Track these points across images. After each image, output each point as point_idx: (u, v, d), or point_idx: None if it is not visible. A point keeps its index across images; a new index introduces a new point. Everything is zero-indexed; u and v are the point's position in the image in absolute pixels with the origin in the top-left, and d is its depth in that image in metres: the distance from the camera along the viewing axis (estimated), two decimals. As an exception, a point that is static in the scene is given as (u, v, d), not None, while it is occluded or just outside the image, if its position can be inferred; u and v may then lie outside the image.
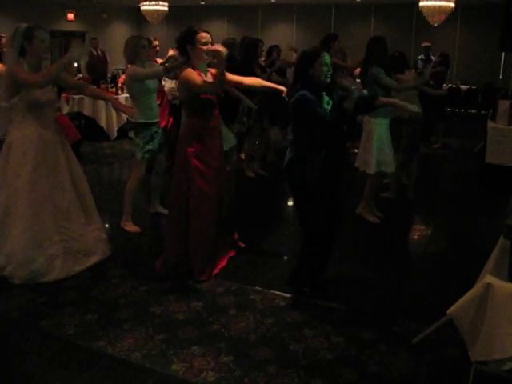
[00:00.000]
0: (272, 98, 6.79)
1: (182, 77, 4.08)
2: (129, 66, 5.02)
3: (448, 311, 2.63)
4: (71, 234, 4.23)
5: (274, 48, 8.24)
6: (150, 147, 5.07)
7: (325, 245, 3.85)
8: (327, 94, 3.69)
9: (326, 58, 3.60)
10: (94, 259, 4.37)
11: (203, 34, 4.11)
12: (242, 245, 4.76)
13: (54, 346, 3.29)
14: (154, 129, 5.09)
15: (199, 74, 4.05)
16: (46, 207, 4.09)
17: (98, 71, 11.44)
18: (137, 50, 4.94)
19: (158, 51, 6.34)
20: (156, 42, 6.42)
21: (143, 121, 4.97)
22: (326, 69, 3.59)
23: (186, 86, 4.06)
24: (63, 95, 9.16)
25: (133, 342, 3.31)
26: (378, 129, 5.35)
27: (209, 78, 4.14)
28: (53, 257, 4.10)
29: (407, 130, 6.04)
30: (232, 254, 4.60)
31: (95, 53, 11.87)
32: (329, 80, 3.63)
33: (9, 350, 3.28)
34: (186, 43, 4.10)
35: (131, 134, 5.07)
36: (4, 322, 3.60)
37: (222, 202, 4.39)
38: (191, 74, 4.01)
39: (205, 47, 4.07)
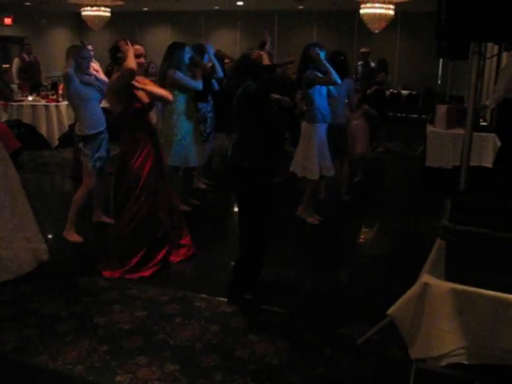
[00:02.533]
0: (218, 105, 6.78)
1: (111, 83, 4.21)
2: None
3: (388, 312, 2.68)
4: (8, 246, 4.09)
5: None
6: (99, 155, 5.03)
7: (262, 246, 3.88)
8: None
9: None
10: (24, 269, 4.21)
11: (137, 47, 4.18)
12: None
13: (-8, 363, 3.18)
14: (102, 137, 5.04)
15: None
16: None
17: (30, 77, 11.16)
18: (78, 61, 4.88)
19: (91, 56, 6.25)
20: (90, 47, 6.32)
21: (91, 133, 4.93)
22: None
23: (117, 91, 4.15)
24: (1, 102, 8.88)
25: (75, 355, 3.22)
26: (318, 134, 5.41)
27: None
28: None
29: (340, 135, 6.12)
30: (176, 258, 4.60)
31: (27, 59, 11.58)
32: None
33: None
34: (119, 54, 4.16)
35: (80, 145, 5.02)
36: None
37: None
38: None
39: (137, 60, 4.15)
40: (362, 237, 5.79)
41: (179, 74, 5.46)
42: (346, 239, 5.66)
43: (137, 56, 4.13)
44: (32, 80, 11.05)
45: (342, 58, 6.15)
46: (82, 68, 4.92)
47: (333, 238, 5.47)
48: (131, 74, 4.10)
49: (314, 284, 4.33)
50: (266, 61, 3.75)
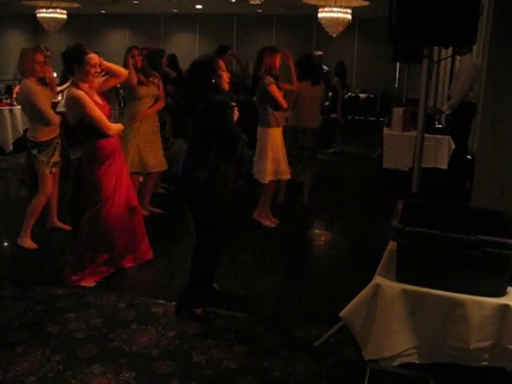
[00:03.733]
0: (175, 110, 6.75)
1: (71, 97, 4.08)
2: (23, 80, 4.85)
3: (340, 314, 2.71)
4: None
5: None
6: (54, 160, 4.95)
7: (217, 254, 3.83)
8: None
9: (222, 63, 3.62)
10: None
11: (93, 56, 4.12)
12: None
13: None
14: (56, 141, 4.95)
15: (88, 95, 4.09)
16: None
17: None
18: (32, 65, 4.78)
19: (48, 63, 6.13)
20: (48, 53, 6.18)
21: (42, 139, 4.84)
22: (224, 74, 3.59)
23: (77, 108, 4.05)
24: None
25: (27, 366, 3.14)
26: (272, 138, 5.43)
27: (95, 95, 4.21)
28: None
29: (310, 140, 6.16)
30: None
31: None
32: (227, 87, 3.63)
33: None
34: (73, 62, 4.08)
35: (34, 151, 4.91)
36: None
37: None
38: (86, 96, 4.07)
39: (93, 70, 4.10)
40: (320, 239, 5.83)
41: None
42: (304, 242, 5.69)
43: (92, 65, 4.09)
44: None
45: (312, 60, 6.22)
46: (35, 73, 4.82)
47: (290, 242, 5.49)
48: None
49: (271, 288, 4.33)
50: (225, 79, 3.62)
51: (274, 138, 5.43)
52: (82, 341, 3.42)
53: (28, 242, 4.94)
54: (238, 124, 3.69)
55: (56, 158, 4.98)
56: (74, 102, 4.06)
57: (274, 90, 5.28)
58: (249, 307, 3.94)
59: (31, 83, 4.77)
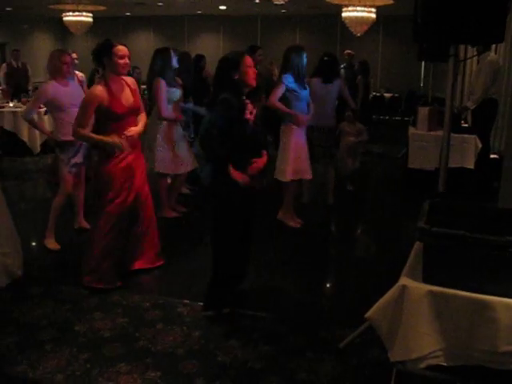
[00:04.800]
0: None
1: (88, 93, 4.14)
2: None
3: (366, 315, 2.69)
4: None
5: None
6: (76, 161, 4.98)
7: (239, 259, 3.81)
8: (252, 102, 3.66)
9: (248, 59, 3.59)
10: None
11: (120, 47, 4.12)
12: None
13: (-30, 374, 3.14)
14: (80, 142, 4.93)
15: (108, 91, 4.07)
16: None
17: (17, 83, 11.09)
18: (59, 66, 4.87)
19: (76, 64, 6.22)
20: (74, 55, 6.28)
21: (63, 139, 4.89)
22: (251, 70, 3.56)
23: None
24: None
25: (55, 364, 3.19)
26: (294, 137, 5.42)
27: (125, 92, 4.19)
28: None
29: (321, 138, 6.13)
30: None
31: (15, 65, 11.49)
32: (254, 83, 3.61)
33: None
34: (103, 56, 4.09)
35: (57, 150, 5.01)
36: None
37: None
38: (91, 99, 4.08)
39: (122, 61, 4.10)
40: (345, 240, 5.80)
41: (162, 84, 5.47)
42: (329, 243, 5.66)
43: (120, 57, 4.10)
44: (19, 86, 10.98)
45: (326, 58, 6.17)
46: (62, 73, 4.90)
47: (314, 242, 5.47)
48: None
49: (296, 288, 4.32)
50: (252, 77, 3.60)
51: (297, 137, 5.42)
52: (109, 340, 3.46)
53: (51, 243, 5.01)
54: (261, 123, 3.69)
55: (78, 159, 4.99)
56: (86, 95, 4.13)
57: (277, 88, 5.32)
58: (273, 308, 3.93)
59: (53, 85, 4.86)
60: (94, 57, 4.17)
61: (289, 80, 5.30)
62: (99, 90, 4.07)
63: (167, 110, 5.51)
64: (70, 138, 4.84)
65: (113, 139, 4.07)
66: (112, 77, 4.13)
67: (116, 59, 4.07)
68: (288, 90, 5.31)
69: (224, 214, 3.65)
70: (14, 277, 4.26)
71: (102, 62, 4.12)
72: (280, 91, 5.32)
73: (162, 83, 5.46)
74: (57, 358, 3.26)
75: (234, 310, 3.82)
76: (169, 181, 6.14)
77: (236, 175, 3.48)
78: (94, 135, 4.14)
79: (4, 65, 11.61)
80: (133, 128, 4.20)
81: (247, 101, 3.63)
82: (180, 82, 5.90)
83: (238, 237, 3.69)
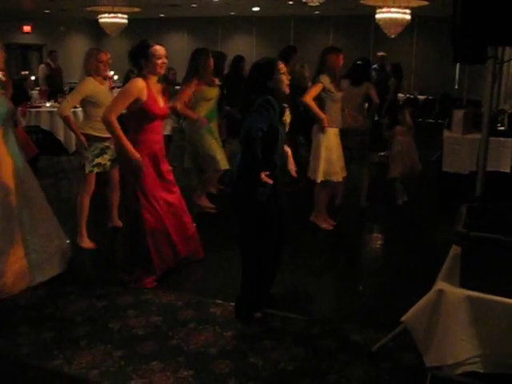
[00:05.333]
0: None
1: (128, 84, 4.16)
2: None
3: (402, 319, 2.66)
4: (33, 247, 4.15)
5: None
6: (100, 161, 5.00)
7: (270, 263, 3.77)
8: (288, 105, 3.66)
9: (282, 66, 3.56)
10: (56, 271, 4.31)
11: (157, 47, 4.14)
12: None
13: (8, 367, 3.21)
14: (106, 143, 5.01)
15: (148, 88, 4.10)
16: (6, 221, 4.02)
17: (55, 84, 11.31)
18: (96, 64, 4.95)
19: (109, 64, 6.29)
20: (108, 56, 6.34)
21: (92, 133, 4.93)
22: (284, 77, 3.54)
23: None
24: (20, 109, 8.98)
25: (90, 360, 3.24)
26: (326, 137, 5.40)
27: (160, 95, 4.24)
28: (20, 273, 4.04)
29: (351, 140, 6.08)
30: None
31: (53, 66, 11.71)
32: (287, 90, 3.59)
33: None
34: (140, 56, 4.12)
35: (82, 148, 5.02)
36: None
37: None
38: (132, 89, 4.07)
39: (159, 61, 4.12)
40: (378, 243, 5.75)
41: (194, 84, 5.55)
42: (361, 245, 5.63)
43: (158, 57, 4.13)
44: (56, 87, 11.21)
45: (359, 62, 6.16)
46: (98, 71, 4.98)
47: (347, 244, 5.44)
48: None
49: (328, 290, 4.31)
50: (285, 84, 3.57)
51: (329, 139, 5.41)
52: (142, 338, 3.50)
53: (85, 242, 5.08)
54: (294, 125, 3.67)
55: (104, 160, 5.02)
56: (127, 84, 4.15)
57: (314, 87, 5.36)
58: (305, 309, 3.93)
59: (91, 81, 4.93)
60: (131, 58, 4.21)
61: (326, 80, 5.29)
62: (141, 83, 4.09)
63: (183, 106, 5.57)
64: (102, 134, 4.91)
65: (136, 157, 4.08)
66: (150, 77, 4.16)
67: (154, 59, 4.10)
68: (324, 90, 5.31)
69: (253, 217, 3.60)
70: (67, 258, 4.43)
71: (139, 63, 4.14)
72: (316, 90, 5.32)
73: (196, 82, 5.53)
74: (92, 354, 3.31)
75: (266, 312, 3.82)
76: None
77: (265, 177, 3.46)
78: (122, 134, 4.11)
79: (43, 66, 11.83)
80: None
81: (285, 105, 3.63)
82: (217, 82, 5.94)
83: (268, 240, 3.64)
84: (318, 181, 5.46)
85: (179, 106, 5.51)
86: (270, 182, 3.45)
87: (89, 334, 3.53)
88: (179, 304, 3.96)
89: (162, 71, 4.23)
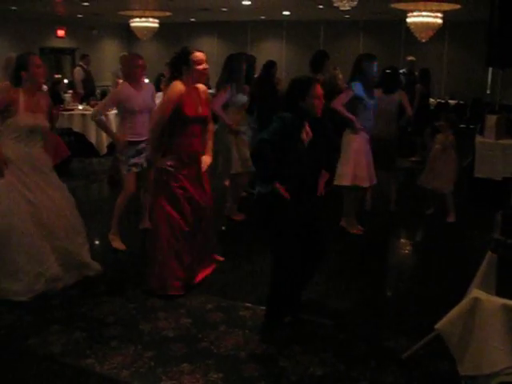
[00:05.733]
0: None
1: (168, 90, 4.18)
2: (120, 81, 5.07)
3: (436, 326, 2.63)
4: (66, 252, 4.21)
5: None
6: (136, 161, 5.04)
7: (299, 272, 3.73)
8: (311, 123, 3.64)
9: (318, 89, 3.54)
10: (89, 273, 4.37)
11: (197, 54, 4.17)
12: (221, 258, 4.77)
13: (41, 365, 3.26)
14: (142, 145, 5.03)
15: (186, 93, 4.11)
16: (39, 229, 4.09)
17: (89, 87, 11.52)
18: (132, 69, 5.00)
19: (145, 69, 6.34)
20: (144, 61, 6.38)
21: (128, 138, 4.97)
22: (317, 101, 3.53)
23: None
24: (53, 111, 9.12)
25: (121, 360, 3.28)
26: (357, 142, 5.38)
27: (198, 99, 4.23)
28: (55, 279, 4.11)
29: (381, 147, 6.02)
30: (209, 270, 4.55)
31: (87, 69, 11.92)
32: (318, 113, 3.57)
33: (-5, 370, 3.26)
34: (181, 64, 4.15)
35: (116, 151, 5.10)
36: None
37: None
38: (172, 95, 4.10)
39: (200, 67, 4.15)
40: (408, 248, 5.69)
41: (227, 91, 5.58)
42: (392, 251, 5.58)
43: (199, 63, 4.15)
44: (90, 90, 11.46)
45: (388, 71, 6.13)
46: (134, 77, 5.01)
47: (376, 250, 5.40)
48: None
49: (357, 296, 4.28)
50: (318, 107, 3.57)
51: (359, 143, 5.38)
52: (172, 339, 3.52)
53: (116, 243, 5.13)
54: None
55: (139, 160, 5.05)
56: (168, 91, 4.17)
57: (345, 93, 5.36)
58: (335, 314, 3.91)
59: (127, 86, 4.96)
60: (173, 65, 4.26)
61: (358, 88, 5.27)
62: (180, 86, 4.10)
63: (219, 108, 5.60)
64: (137, 138, 4.97)
65: (167, 165, 4.16)
66: (190, 83, 4.19)
67: (195, 66, 4.13)
68: (356, 97, 5.29)
69: (278, 225, 3.57)
70: (85, 275, 4.41)
71: (180, 70, 4.17)
72: (347, 97, 5.30)
73: (228, 90, 5.57)
74: (122, 354, 3.35)
75: (295, 316, 3.80)
76: (226, 183, 6.20)
77: (280, 188, 3.43)
78: (159, 152, 4.21)
79: (79, 68, 12.02)
80: (206, 160, 4.38)
81: (306, 123, 3.62)
82: (248, 89, 5.93)
83: (296, 246, 3.60)
84: (347, 184, 5.42)
85: (216, 107, 5.52)
86: (286, 195, 3.43)
87: (120, 335, 3.57)
88: (209, 307, 3.98)
89: (203, 77, 4.26)
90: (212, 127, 4.52)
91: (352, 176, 5.40)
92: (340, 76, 7.18)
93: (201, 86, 4.33)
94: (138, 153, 5.05)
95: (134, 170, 5.05)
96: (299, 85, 3.56)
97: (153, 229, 4.34)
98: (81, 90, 11.45)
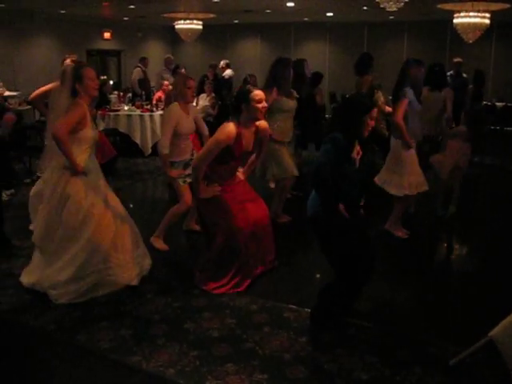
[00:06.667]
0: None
1: (219, 131, 4.26)
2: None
3: (490, 333, 2.57)
4: (117, 262, 4.26)
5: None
6: (188, 173, 5.03)
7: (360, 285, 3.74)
8: (360, 143, 3.64)
9: (375, 111, 3.55)
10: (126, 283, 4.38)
11: (257, 92, 4.27)
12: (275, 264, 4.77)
13: (89, 360, 3.34)
14: (188, 159, 5.10)
15: (241, 135, 4.25)
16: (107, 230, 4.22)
17: (145, 87, 11.83)
18: (183, 90, 5.02)
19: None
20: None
21: (174, 159, 5.02)
22: (371, 123, 3.52)
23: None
24: (99, 112, 9.33)
25: (167, 358, 3.33)
26: (408, 151, 5.30)
27: (250, 138, 4.37)
28: (95, 285, 4.17)
29: (426, 146, 5.92)
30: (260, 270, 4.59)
31: (145, 70, 12.22)
32: (367, 134, 3.57)
33: (44, 363, 3.36)
34: (241, 102, 4.27)
35: (166, 169, 5.05)
36: (40, 334, 3.66)
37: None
38: (223, 138, 4.21)
39: (260, 105, 4.24)
40: (455, 253, 5.58)
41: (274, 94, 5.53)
42: (438, 255, 5.49)
43: (258, 101, 4.24)
44: (146, 89, 11.87)
45: (437, 68, 6.04)
46: (185, 97, 5.05)
47: (422, 253, 5.32)
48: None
49: (402, 300, 4.23)
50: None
51: (411, 152, 5.31)
52: (217, 339, 3.56)
53: (160, 243, 5.18)
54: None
55: (189, 170, 5.02)
56: (218, 132, 4.26)
57: (402, 104, 5.20)
58: (380, 319, 3.87)
59: (178, 108, 4.97)
60: (233, 104, 4.39)
61: (410, 93, 5.22)
62: (232, 130, 4.21)
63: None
64: (181, 158, 5.05)
65: (210, 191, 4.35)
66: (247, 121, 4.30)
67: (254, 104, 4.22)
68: (409, 102, 5.23)
69: (339, 239, 3.60)
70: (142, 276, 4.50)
71: (240, 108, 4.27)
72: (404, 106, 5.21)
73: (275, 92, 5.53)
74: (168, 352, 3.39)
75: (341, 320, 3.79)
76: (272, 185, 6.19)
77: (342, 209, 3.47)
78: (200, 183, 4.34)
79: (138, 69, 12.31)
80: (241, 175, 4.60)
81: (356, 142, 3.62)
82: (295, 94, 5.85)
83: (358, 253, 3.63)
84: (399, 194, 5.37)
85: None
86: (346, 215, 3.47)
87: (165, 333, 3.62)
88: (253, 308, 4.00)
89: (262, 115, 4.35)
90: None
91: (410, 185, 5.35)
92: (382, 98, 7.04)
93: (262, 124, 4.43)
94: (187, 165, 5.07)
95: (189, 180, 5.03)
96: (360, 106, 3.52)
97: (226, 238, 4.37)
98: (137, 89, 11.74)
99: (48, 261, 4.22)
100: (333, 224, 3.55)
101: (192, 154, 5.15)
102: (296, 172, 5.82)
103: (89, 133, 4.16)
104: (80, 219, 4.12)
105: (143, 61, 12.47)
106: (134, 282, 4.31)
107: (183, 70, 7.46)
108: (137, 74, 12.26)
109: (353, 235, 3.61)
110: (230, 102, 4.50)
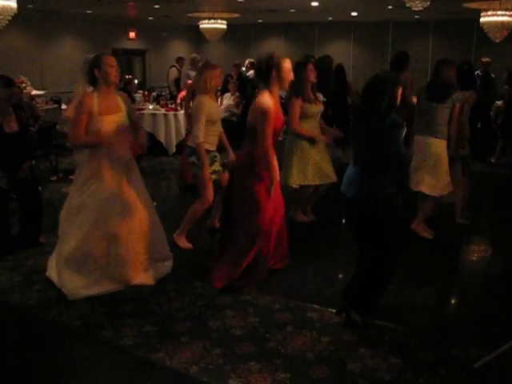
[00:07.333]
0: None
1: (258, 103, 4.13)
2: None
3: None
4: (121, 258, 4.28)
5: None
6: (214, 168, 5.07)
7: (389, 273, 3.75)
8: None
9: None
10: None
11: (288, 60, 4.21)
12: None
13: (113, 357, 3.39)
14: (213, 153, 5.10)
15: (275, 104, 4.16)
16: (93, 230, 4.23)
17: (180, 87, 11.92)
18: (214, 82, 5.02)
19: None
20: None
21: (210, 149, 5.00)
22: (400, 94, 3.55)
23: (259, 117, 4.12)
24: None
25: (190, 356, 3.36)
26: (440, 150, 5.27)
27: (278, 108, 4.28)
28: (95, 282, 4.22)
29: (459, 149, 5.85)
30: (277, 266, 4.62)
31: (181, 70, 12.32)
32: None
33: (69, 358, 3.43)
34: (272, 68, 4.13)
35: (193, 158, 5.03)
36: (65, 330, 3.73)
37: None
38: (269, 109, 4.08)
39: (291, 74, 4.21)
40: (480, 255, 5.51)
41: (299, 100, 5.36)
42: (464, 257, 5.42)
43: (287, 70, 4.19)
44: (179, 90, 11.87)
45: (466, 67, 5.96)
46: (214, 89, 5.13)
47: (447, 255, 5.26)
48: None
49: (427, 301, 4.19)
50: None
51: (442, 150, 5.27)
52: (240, 338, 3.58)
53: (183, 242, 5.20)
54: None
55: (216, 167, 5.10)
56: (259, 110, 4.13)
57: (456, 109, 5.26)
58: (404, 319, 3.85)
59: (208, 99, 4.96)
60: (261, 70, 4.25)
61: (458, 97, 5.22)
62: (269, 99, 4.13)
63: (297, 124, 5.37)
64: (213, 147, 5.05)
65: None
66: (276, 92, 4.23)
67: (282, 74, 4.16)
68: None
69: (380, 226, 3.59)
70: (162, 275, 4.54)
71: (270, 75, 4.16)
72: (459, 110, 5.29)
73: (300, 99, 5.34)
74: (191, 350, 3.43)
75: (364, 319, 3.78)
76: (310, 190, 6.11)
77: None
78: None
79: (174, 69, 12.41)
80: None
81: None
82: (321, 98, 5.71)
83: (394, 244, 3.69)
84: (438, 195, 5.35)
85: (297, 127, 5.37)
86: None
87: (189, 331, 3.66)
88: (276, 307, 4.01)
89: (287, 84, 4.27)
90: None
91: (444, 184, 5.33)
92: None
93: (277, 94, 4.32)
94: (213, 161, 5.08)
95: (214, 177, 5.05)
96: (393, 79, 3.53)
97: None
98: (174, 89, 11.94)
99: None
100: (380, 209, 3.52)
101: (217, 149, 5.13)
102: (319, 180, 5.60)
103: (92, 126, 4.11)
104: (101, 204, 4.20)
105: (180, 61, 12.51)
106: (137, 282, 4.33)
107: (200, 64, 7.28)
108: (173, 73, 12.35)
109: (393, 225, 3.62)
110: (257, 68, 4.37)
